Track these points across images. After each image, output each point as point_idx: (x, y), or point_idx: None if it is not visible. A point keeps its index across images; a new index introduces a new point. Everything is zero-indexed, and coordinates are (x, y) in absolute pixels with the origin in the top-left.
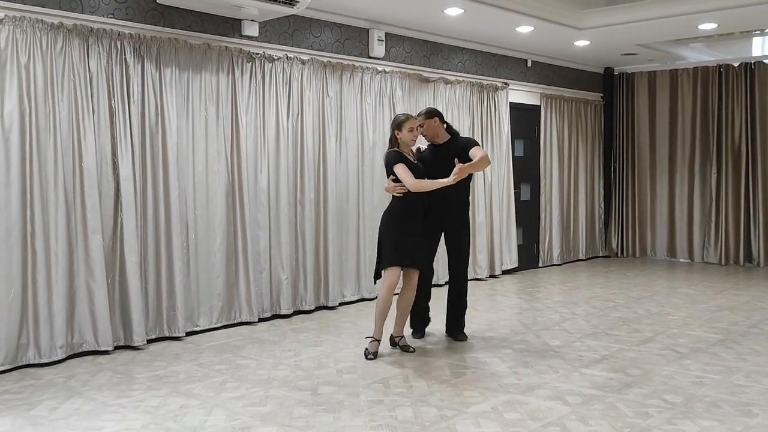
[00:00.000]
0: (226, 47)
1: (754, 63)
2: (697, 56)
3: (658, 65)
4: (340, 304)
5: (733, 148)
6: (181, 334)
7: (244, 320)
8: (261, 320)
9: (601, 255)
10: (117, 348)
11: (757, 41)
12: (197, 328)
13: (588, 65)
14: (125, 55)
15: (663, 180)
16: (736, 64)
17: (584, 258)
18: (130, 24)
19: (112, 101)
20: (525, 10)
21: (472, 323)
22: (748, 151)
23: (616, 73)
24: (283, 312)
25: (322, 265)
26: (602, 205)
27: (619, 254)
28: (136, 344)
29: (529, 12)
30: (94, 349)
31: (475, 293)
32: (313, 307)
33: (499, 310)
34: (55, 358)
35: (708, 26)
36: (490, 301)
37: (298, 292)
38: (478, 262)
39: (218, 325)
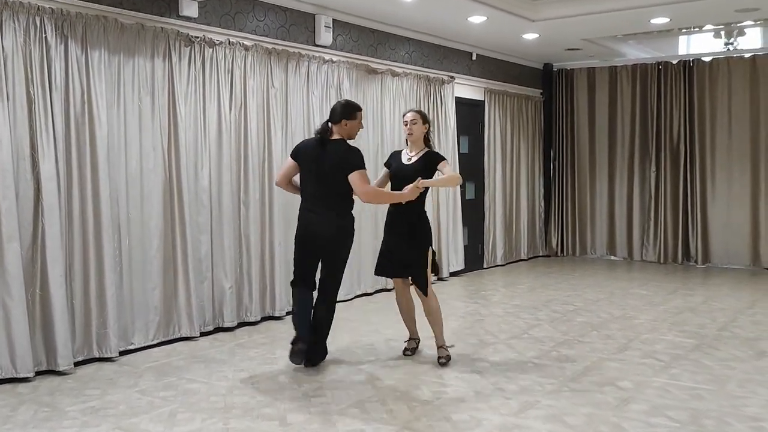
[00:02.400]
0: (162, 28)
1: (693, 61)
2: (635, 53)
3: (597, 62)
4: (287, 314)
5: (672, 146)
6: (113, 355)
7: (183, 335)
8: (203, 334)
9: (541, 254)
10: (39, 373)
11: (696, 38)
12: (132, 347)
13: (529, 60)
14: (45, 33)
15: (602, 178)
16: (674, 62)
17: (526, 258)
18: None
19: (31, 87)
20: None
21: None
22: (686, 149)
23: (555, 69)
24: (227, 324)
25: (268, 272)
26: (542, 204)
27: (559, 253)
28: (61, 368)
29: (483, 0)
30: (11, 376)
31: None
32: (258, 318)
33: (460, 317)
34: None
35: (661, 20)
36: (446, 307)
37: (242, 302)
38: None
39: (155, 342)
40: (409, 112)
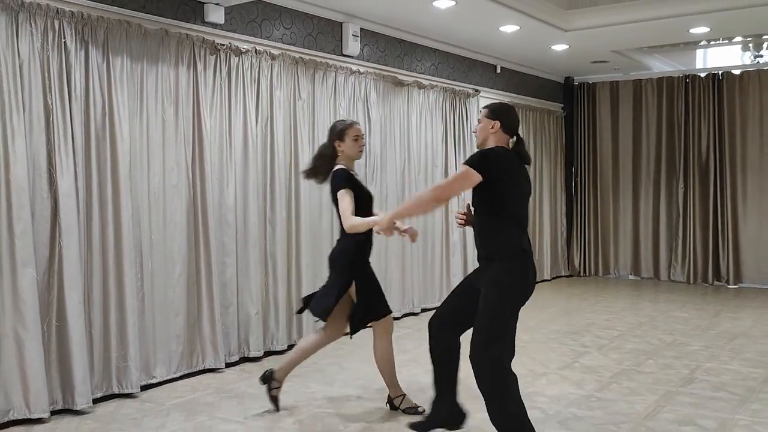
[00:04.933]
0: (187, 35)
1: (722, 74)
2: (661, 66)
3: (620, 75)
4: None
5: (701, 162)
6: (134, 390)
7: (208, 367)
8: (228, 365)
9: (563, 274)
10: (54, 413)
11: (722, 50)
12: (153, 380)
13: (551, 74)
14: (65, 38)
15: (627, 195)
16: (702, 75)
17: (549, 278)
18: (71, 0)
19: (48, 97)
20: (515, 5)
21: None
22: (716, 164)
23: (576, 83)
24: (253, 354)
25: (294, 296)
26: (564, 222)
27: (581, 273)
28: (79, 407)
29: (518, 7)
30: (24, 416)
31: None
32: (285, 347)
33: None
34: None
35: (701, 30)
36: None
37: (269, 329)
38: (452, 286)
39: (178, 375)
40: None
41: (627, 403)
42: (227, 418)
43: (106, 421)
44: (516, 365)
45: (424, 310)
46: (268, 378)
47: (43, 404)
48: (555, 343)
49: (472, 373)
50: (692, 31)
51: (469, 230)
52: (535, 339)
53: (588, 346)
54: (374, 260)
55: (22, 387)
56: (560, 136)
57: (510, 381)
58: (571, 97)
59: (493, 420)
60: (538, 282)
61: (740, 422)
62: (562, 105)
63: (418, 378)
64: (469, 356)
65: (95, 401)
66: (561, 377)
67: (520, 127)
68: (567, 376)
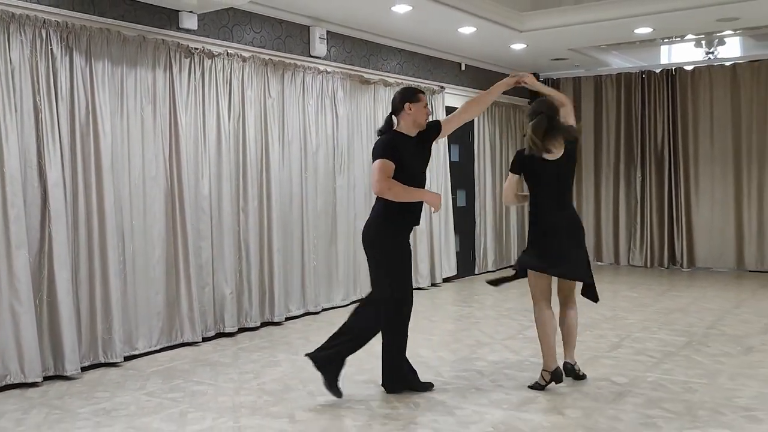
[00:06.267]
0: (163, 40)
1: (675, 70)
2: (620, 63)
3: (582, 72)
4: (286, 319)
5: (657, 152)
6: (118, 360)
7: (186, 341)
8: (205, 339)
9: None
10: (47, 378)
11: (677, 48)
12: (136, 352)
13: (516, 70)
14: (51, 45)
15: (589, 185)
16: (657, 71)
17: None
18: (56, 11)
19: (37, 98)
20: (470, 9)
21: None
22: (670, 155)
23: (542, 79)
24: (228, 330)
25: (267, 278)
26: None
27: None
28: (68, 373)
29: (473, 11)
30: (20, 381)
31: (422, 302)
32: (258, 324)
33: (456, 320)
34: None
35: (644, 30)
36: (441, 311)
37: (243, 307)
38: (419, 271)
39: (159, 347)
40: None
41: None
42: (200, 381)
43: (92, 385)
44: (465, 336)
45: None
46: (570, 371)
47: (36, 370)
48: (506, 319)
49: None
50: (637, 31)
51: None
52: (488, 315)
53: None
54: (344, 243)
55: (17, 355)
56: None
57: None
58: (537, 92)
59: None
60: (505, 267)
61: (649, 378)
62: (529, 100)
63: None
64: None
65: (83, 369)
66: (503, 346)
67: (488, 121)
68: (509, 345)
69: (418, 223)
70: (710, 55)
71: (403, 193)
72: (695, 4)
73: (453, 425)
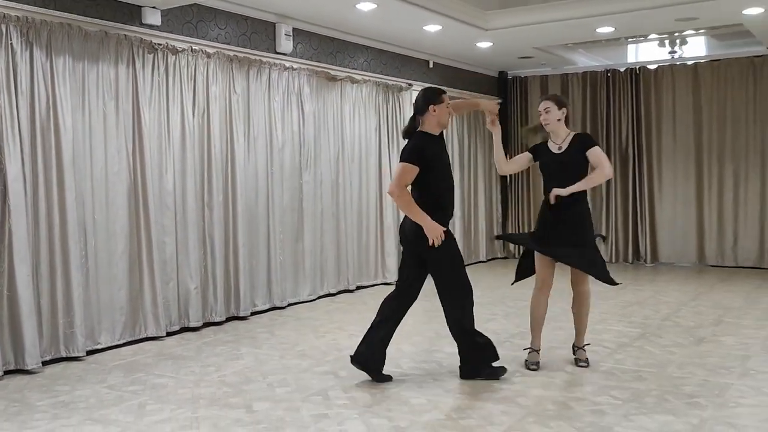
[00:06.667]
0: (126, 36)
1: (639, 68)
2: (586, 62)
3: (549, 70)
4: (252, 314)
5: (621, 149)
6: (81, 354)
7: (150, 335)
8: (169, 334)
9: (500, 256)
10: (7, 372)
11: (644, 46)
12: (99, 346)
13: (484, 68)
14: (11, 40)
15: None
16: (622, 70)
17: (485, 260)
18: (16, 5)
19: None
20: (435, 7)
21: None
22: (635, 152)
23: (509, 77)
24: (192, 324)
25: (232, 273)
26: (500, 208)
27: (516, 255)
28: (29, 367)
29: (438, 10)
30: None
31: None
32: (223, 318)
33: (420, 314)
34: None
35: (606, 30)
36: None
37: (207, 302)
38: (387, 266)
39: (122, 342)
40: (541, 101)
41: (512, 357)
42: (162, 374)
43: (53, 378)
44: (427, 330)
45: (359, 288)
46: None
47: None
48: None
49: None
50: (599, 30)
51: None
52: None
53: (497, 314)
54: (310, 239)
55: None
56: None
57: None
58: (505, 90)
59: None
60: (474, 263)
61: (601, 368)
62: (500, 100)
63: (339, 341)
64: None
65: (45, 363)
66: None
67: (456, 118)
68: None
69: (451, 216)
70: (673, 55)
71: (407, 208)
72: (654, 5)
73: (407, 413)
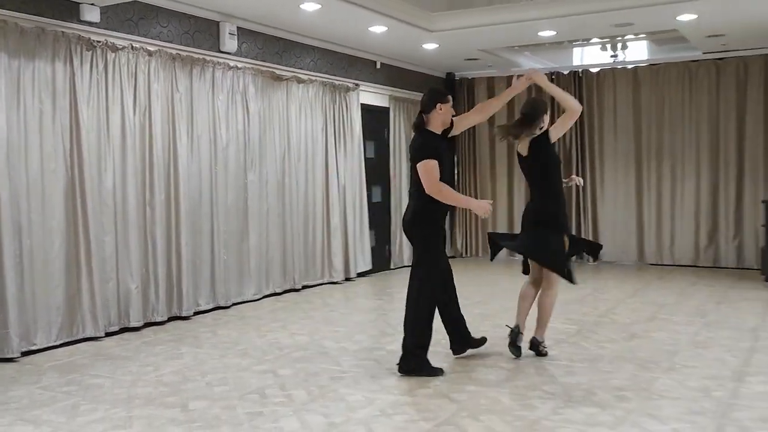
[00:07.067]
0: (63, 32)
1: (582, 71)
2: (531, 64)
3: (495, 72)
4: (195, 314)
5: (565, 151)
6: (15, 355)
7: (88, 336)
8: (108, 335)
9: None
10: None
11: (588, 50)
12: (34, 347)
13: (432, 69)
14: None
15: (502, 182)
16: (566, 72)
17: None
18: None
19: None
20: (379, 8)
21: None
22: (578, 153)
23: (457, 78)
24: (133, 324)
25: (174, 272)
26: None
27: (464, 254)
28: None
29: (383, 11)
30: None
31: (333, 296)
32: (165, 318)
33: (365, 313)
34: None
35: (547, 33)
36: (352, 304)
37: (149, 302)
38: (333, 265)
39: (58, 343)
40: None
41: (447, 354)
42: (98, 374)
43: None
44: (370, 328)
45: (305, 287)
46: (534, 347)
47: None
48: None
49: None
50: (541, 33)
51: (349, 214)
52: (396, 308)
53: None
54: (256, 238)
55: None
56: None
57: None
58: (452, 92)
59: None
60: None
61: (536, 364)
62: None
63: (281, 341)
64: None
65: None
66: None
67: (404, 118)
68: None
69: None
70: (615, 59)
71: (451, 198)
72: (592, 9)
73: (343, 410)
